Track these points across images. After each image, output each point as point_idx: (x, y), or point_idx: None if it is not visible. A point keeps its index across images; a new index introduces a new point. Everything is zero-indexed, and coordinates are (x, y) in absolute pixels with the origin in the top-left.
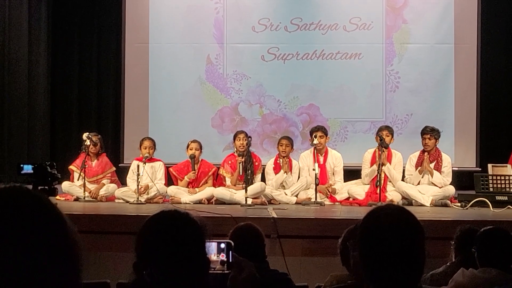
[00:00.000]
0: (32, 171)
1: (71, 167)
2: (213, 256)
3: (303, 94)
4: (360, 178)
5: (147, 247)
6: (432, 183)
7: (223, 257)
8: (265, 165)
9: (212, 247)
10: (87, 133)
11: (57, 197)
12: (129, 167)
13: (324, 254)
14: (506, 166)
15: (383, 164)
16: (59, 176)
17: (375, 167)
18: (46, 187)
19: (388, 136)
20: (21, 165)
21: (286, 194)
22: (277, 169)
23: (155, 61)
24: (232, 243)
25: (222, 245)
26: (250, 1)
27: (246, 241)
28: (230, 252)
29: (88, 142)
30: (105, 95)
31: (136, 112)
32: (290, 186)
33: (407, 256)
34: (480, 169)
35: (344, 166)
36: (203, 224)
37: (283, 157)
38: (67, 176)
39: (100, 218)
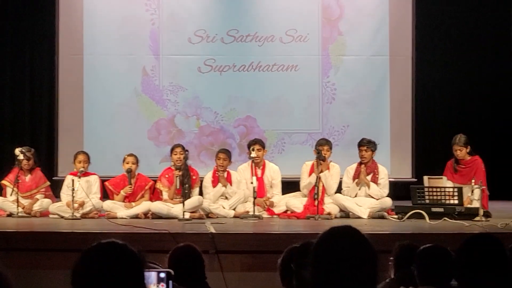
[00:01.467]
0: None
1: (3, 182)
2: (153, 286)
3: (240, 106)
4: (298, 190)
5: (84, 283)
6: (369, 195)
7: (163, 286)
8: (203, 178)
9: (152, 277)
10: (20, 148)
11: None
12: (63, 180)
13: (263, 269)
14: (442, 178)
15: (321, 172)
16: None
17: (313, 177)
18: None
19: (328, 151)
20: None
21: (224, 208)
22: (215, 182)
23: (89, 72)
24: (172, 272)
25: (162, 275)
26: (186, 13)
27: (185, 264)
28: (170, 282)
29: (21, 157)
30: (38, 107)
31: (70, 124)
32: (232, 196)
33: (359, 276)
34: (416, 179)
35: (281, 178)
36: (142, 255)
37: (221, 170)
38: (0, 191)
39: (35, 235)
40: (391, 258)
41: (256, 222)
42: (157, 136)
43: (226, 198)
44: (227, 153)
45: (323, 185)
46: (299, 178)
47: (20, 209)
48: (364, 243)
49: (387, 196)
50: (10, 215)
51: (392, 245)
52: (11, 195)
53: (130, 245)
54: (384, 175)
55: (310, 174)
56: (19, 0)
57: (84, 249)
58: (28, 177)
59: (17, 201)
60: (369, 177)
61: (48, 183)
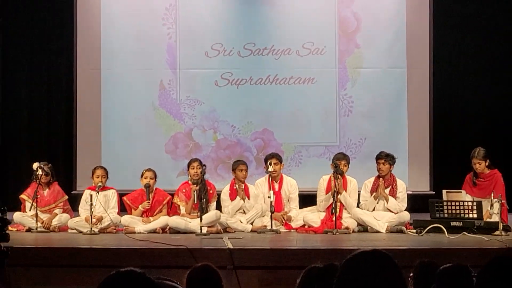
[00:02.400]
0: None
1: (22, 196)
2: None
3: (257, 119)
4: (315, 204)
5: None
6: (388, 209)
7: None
8: (220, 192)
9: None
10: (38, 163)
11: (9, 227)
12: (82, 194)
13: (281, 285)
14: (461, 192)
15: (338, 193)
16: (10, 222)
17: (330, 194)
18: None
19: (345, 166)
20: None
21: (241, 222)
22: (233, 195)
23: (107, 87)
24: None
25: None
26: (202, 27)
27: (203, 285)
28: None
29: (39, 172)
30: (56, 121)
31: (88, 138)
32: (249, 210)
33: None
34: (434, 192)
35: (299, 192)
36: (159, 284)
37: (241, 182)
38: (18, 206)
39: (53, 251)
40: (411, 274)
41: (273, 237)
42: (174, 150)
43: (244, 212)
44: (246, 164)
45: (340, 201)
46: (316, 191)
47: (39, 224)
48: (393, 270)
49: (405, 210)
50: (29, 230)
51: (410, 260)
52: (30, 210)
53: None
54: (402, 188)
55: (327, 189)
56: (37, 15)
57: (103, 279)
58: (46, 192)
59: (36, 215)
60: (387, 191)
61: (66, 197)
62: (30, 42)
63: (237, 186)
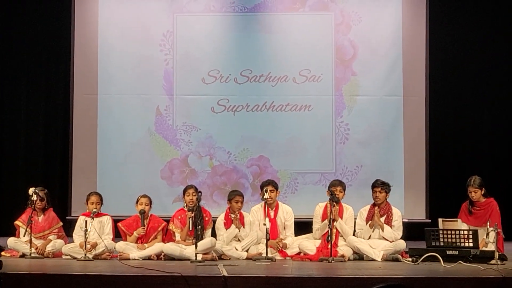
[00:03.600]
0: None
1: (17, 222)
2: None
3: (253, 146)
4: (311, 231)
5: None
6: (383, 237)
7: None
8: (215, 218)
9: None
10: (34, 188)
11: (3, 253)
12: (77, 220)
13: None
14: (457, 221)
15: (334, 220)
16: (3, 247)
17: (326, 222)
18: None
19: (341, 192)
20: None
21: (236, 249)
22: (228, 224)
23: (104, 112)
24: None
25: None
26: (199, 53)
27: None
28: None
29: (34, 197)
30: (52, 146)
31: (84, 164)
32: (244, 238)
33: None
34: (430, 221)
35: (294, 219)
36: None
37: (235, 212)
38: (13, 231)
39: (47, 277)
40: None
41: (269, 264)
42: (170, 176)
43: (239, 240)
44: (242, 195)
45: (336, 228)
46: (312, 219)
47: (33, 250)
48: None
49: (401, 238)
50: (23, 255)
51: None
52: (24, 235)
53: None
54: (398, 217)
55: (323, 216)
56: (35, 39)
57: None
58: (41, 218)
59: (30, 241)
60: (382, 219)
61: (60, 223)
62: (27, 67)
63: (232, 216)
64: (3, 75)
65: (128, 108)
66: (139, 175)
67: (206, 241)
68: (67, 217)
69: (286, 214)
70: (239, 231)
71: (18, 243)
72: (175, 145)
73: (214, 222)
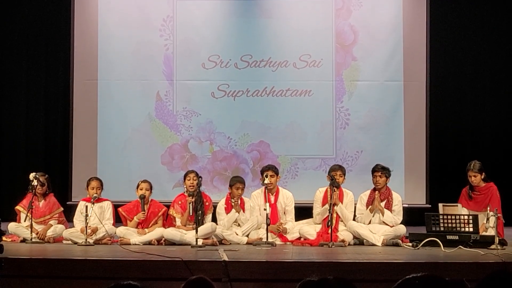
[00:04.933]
0: None
1: (17, 207)
2: None
3: (253, 131)
4: (311, 216)
5: None
6: (383, 222)
7: None
8: (216, 204)
9: None
10: (34, 173)
11: (4, 238)
12: (77, 206)
13: None
14: (457, 206)
15: (335, 205)
16: (4, 232)
17: (327, 206)
18: None
19: (341, 176)
20: None
21: (237, 234)
22: (228, 209)
23: (104, 98)
24: None
25: None
26: (199, 38)
27: None
28: None
29: (35, 183)
30: (53, 132)
31: (84, 149)
32: (244, 223)
33: None
34: (430, 206)
35: (295, 204)
36: None
37: (236, 199)
38: (14, 216)
39: (48, 262)
40: None
41: (269, 249)
42: (170, 161)
43: (239, 225)
44: (244, 182)
45: (336, 213)
46: (313, 204)
47: (33, 235)
48: None
49: (401, 223)
50: (23, 240)
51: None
52: (24, 220)
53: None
54: (398, 201)
55: (323, 201)
56: (34, 25)
57: None
58: (42, 203)
59: (31, 226)
60: (383, 204)
61: (61, 208)
62: (27, 53)
63: (232, 201)
64: (3, 61)
65: (128, 94)
66: (139, 160)
67: (207, 226)
68: (67, 202)
69: (287, 199)
70: (239, 215)
71: (19, 228)
72: (175, 131)
73: (215, 207)
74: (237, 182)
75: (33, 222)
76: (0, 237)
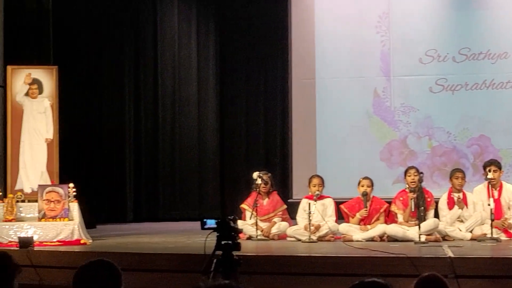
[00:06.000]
0: (215, 226)
1: (242, 205)
2: None
3: (473, 125)
4: None
5: None
6: None
7: None
8: (437, 199)
9: None
10: (258, 172)
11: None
12: (298, 203)
13: None
14: None
15: None
16: (241, 230)
17: None
18: (230, 242)
19: None
20: (204, 220)
21: (460, 230)
22: (450, 204)
23: (321, 96)
24: None
25: None
26: (416, 33)
27: None
28: None
29: (259, 181)
30: (272, 131)
31: (303, 147)
32: (467, 219)
33: None
34: None
35: None
36: None
37: (458, 190)
38: (238, 214)
39: (273, 259)
40: None
41: (494, 245)
42: (389, 158)
43: (462, 221)
44: (463, 172)
45: None
46: None
47: (259, 232)
48: None
49: None
50: (249, 238)
51: None
52: (250, 218)
53: (368, 270)
54: None
55: None
56: (253, 27)
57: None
58: (265, 201)
59: (256, 224)
60: None
61: (285, 206)
62: (247, 57)
63: (455, 196)
64: (224, 65)
65: (346, 91)
66: (358, 157)
67: (429, 222)
68: (288, 200)
69: (511, 194)
70: (462, 211)
71: (245, 226)
72: (393, 127)
73: (436, 203)
74: (455, 172)
75: (258, 220)
76: (237, 235)
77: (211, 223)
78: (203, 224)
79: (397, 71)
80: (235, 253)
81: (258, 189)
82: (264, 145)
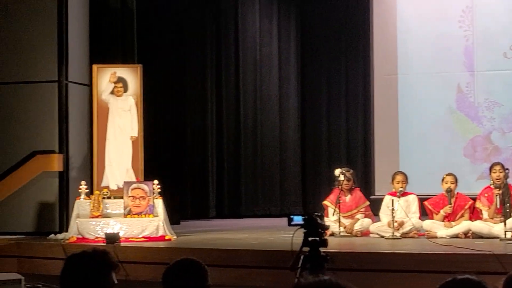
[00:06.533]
0: (302, 222)
1: (325, 202)
2: None
3: None
4: None
5: None
6: None
7: None
8: None
9: None
10: (340, 169)
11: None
12: (381, 199)
13: None
14: None
15: None
16: (328, 227)
17: None
18: (317, 238)
19: None
20: (291, 216)
21: None
22: None
23: (403, 91)
24: None
25: None
26: (500, 27)
27: None
28: None
29: (341, 178)
30: (354, 127)
31: (386, 143)
32: None
33: None
34: None
35: None
36: None
37: None
38: (321, 211)
39: (357, 256)
40: None
41: None
42: (472, 154)
43: None
44: None
45: None
46: None
47: (341, 229)
48: None
49: None
50: (332, 234)
51: None
52: (333, 215)
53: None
54: None
55: None
56: (334, 22)
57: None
58: (348, 197)
59: (339, 221)
60: None
61: (367, 202)
62: (328, 53)
63: None
64: (304, 61)
65: (428, 87)
66: (441, 153)
67: None
68: (371, 196)
69: None
70: None
71: (328, 222)
72: (477, 122)
73: None
74: None
75: (340, 216)
76: (324, 231)
77: (298, 219)
78: (290, 220)
79: (480, 66)
80: (322, 249)
81: (340, 186)
82: (345, 141)
